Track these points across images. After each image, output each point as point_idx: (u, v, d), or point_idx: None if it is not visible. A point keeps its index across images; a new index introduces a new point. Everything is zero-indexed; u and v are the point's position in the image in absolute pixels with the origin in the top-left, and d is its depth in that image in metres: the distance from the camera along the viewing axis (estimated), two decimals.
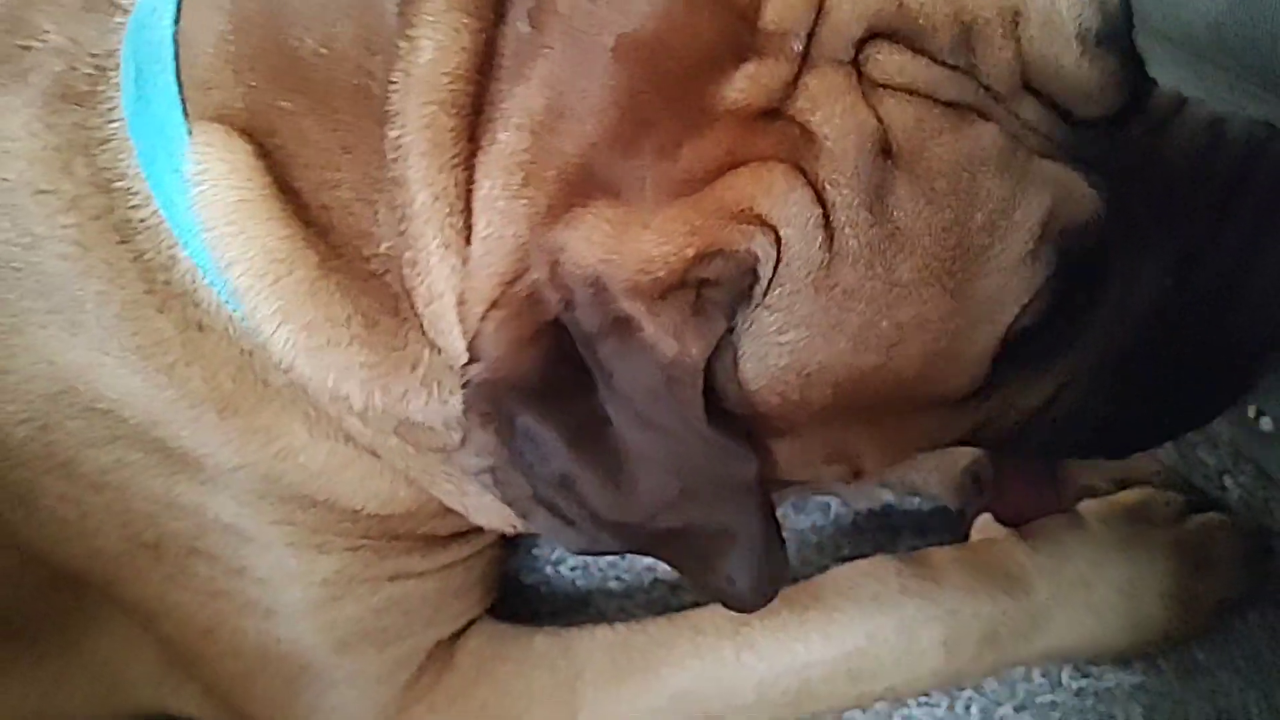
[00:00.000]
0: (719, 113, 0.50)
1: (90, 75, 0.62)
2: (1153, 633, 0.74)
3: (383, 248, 0.57)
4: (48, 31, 0.63)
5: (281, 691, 0.69)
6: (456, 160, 0.54)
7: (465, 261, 0.55)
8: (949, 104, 0.50)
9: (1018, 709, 0.74)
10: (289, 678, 0.68)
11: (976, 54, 0.50)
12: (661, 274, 0.50)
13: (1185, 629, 0.75)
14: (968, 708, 0.74)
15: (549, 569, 0.93)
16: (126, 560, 0.65)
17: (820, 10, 0.50)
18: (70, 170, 0.60)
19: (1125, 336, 0.57)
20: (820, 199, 0.50)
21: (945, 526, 0.89)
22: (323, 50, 0.57)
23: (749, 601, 0.58)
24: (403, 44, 0.54)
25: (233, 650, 0.68)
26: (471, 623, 0.74)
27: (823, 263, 0.51)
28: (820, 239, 0.50)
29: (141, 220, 0.60)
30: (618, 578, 0.91)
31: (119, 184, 0.60)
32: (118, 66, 0.62)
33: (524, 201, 0.53)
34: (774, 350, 0.53)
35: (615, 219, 0.51)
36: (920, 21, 0.50)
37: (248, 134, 0.58)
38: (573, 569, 0.92)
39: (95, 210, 0.60)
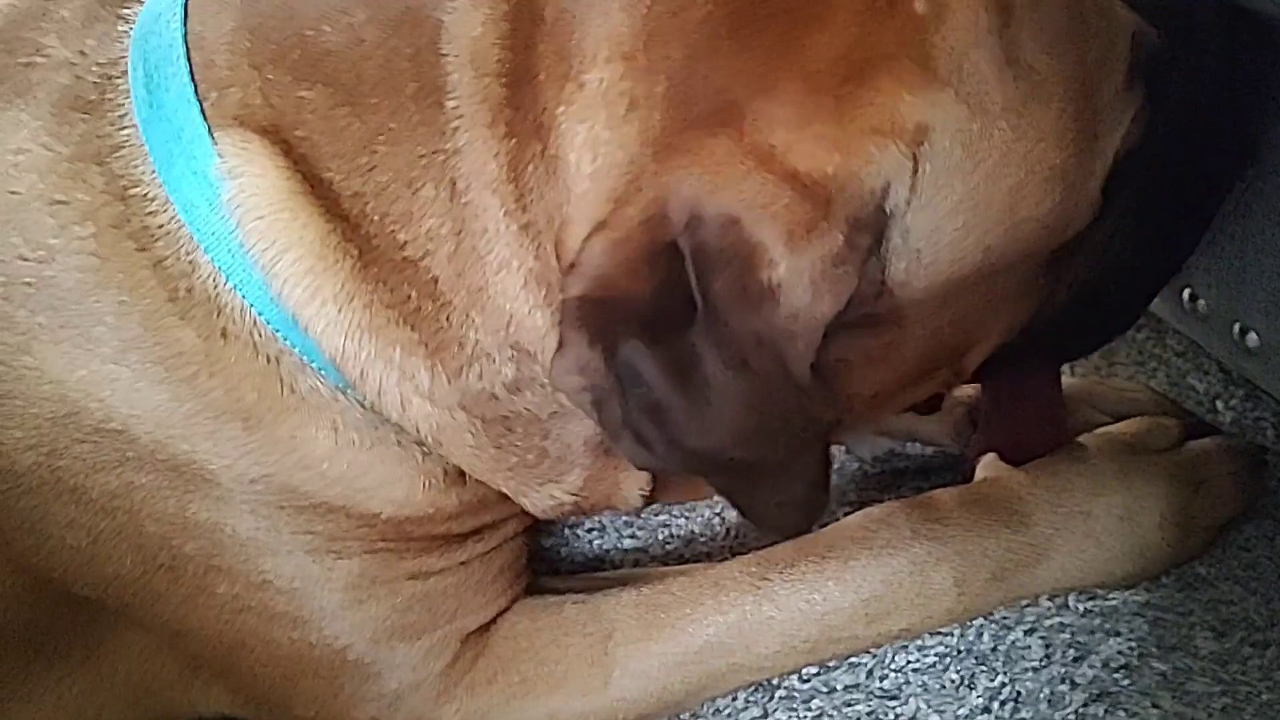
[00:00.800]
0: (833, 4, 0.51)
1: (97, 84, 0.61)
2: (1154, 557, 0.76)
3: (426, 228, 0.58)
4: (51, 47, 0.62)
5: (324, 688, 0.70)
6: (519, 125, 0.55)
7: (533, 228, 0.56)
8: None
9: (1028, 632, 0.75)
10: (329, 676, 0.69)
11: None
12: (806, 204, 0.50)
13: (1185, 551, 0.77)
14: (980, 634, 0.75)
15: (566, 531, 0.95)
16: (143, 584, 0.65)
17: None
18: (84, 179, 0.60)
19: (1156, 177, 0.63)
20: (958, 75, 0.52)
21: (948, 467, 0.91)
22: (346, 37, 0.57)
23: (790, 529, 0.62)
24: (445, 18, 0.56)
25: (268, 659, 0.68)
26: (502, 611, 0.75)
27: (969, 143, 0.53)
28: (964, 117, 0.52)
29: (160, 226, 0.60)
30: (632, 535, 0.93)
31: (134, 190, 0.60)
32: (125, 74, 0.61)
33: (634, 127, 0.53)
34: (928, 247, 0.55)
35: (749, 138, 0.51)
36: None
37: (272, 130, 0.58)
38: (589, 530, 0.94)
39: (111, 219, 0.59)
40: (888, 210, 0.53)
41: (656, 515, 0.94)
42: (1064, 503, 0.75)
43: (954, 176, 0.53)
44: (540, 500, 0.67)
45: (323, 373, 0.62)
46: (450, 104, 0.57)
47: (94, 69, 0.62)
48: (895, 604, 0.73)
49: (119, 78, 0.62)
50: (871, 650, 0.76)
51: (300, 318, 0.59)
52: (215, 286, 0.60)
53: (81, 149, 0.60)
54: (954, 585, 0.73)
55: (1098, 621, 0.75)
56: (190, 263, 0.60)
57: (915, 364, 0.62)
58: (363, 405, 0.63)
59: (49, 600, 0.69)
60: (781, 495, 0.59)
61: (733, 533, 0.91)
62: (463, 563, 0.71)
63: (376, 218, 0.58)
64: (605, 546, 0.93)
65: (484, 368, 0.61)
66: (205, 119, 0.58)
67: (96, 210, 0.60)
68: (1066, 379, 0.91)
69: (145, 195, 0.60)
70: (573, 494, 0.68)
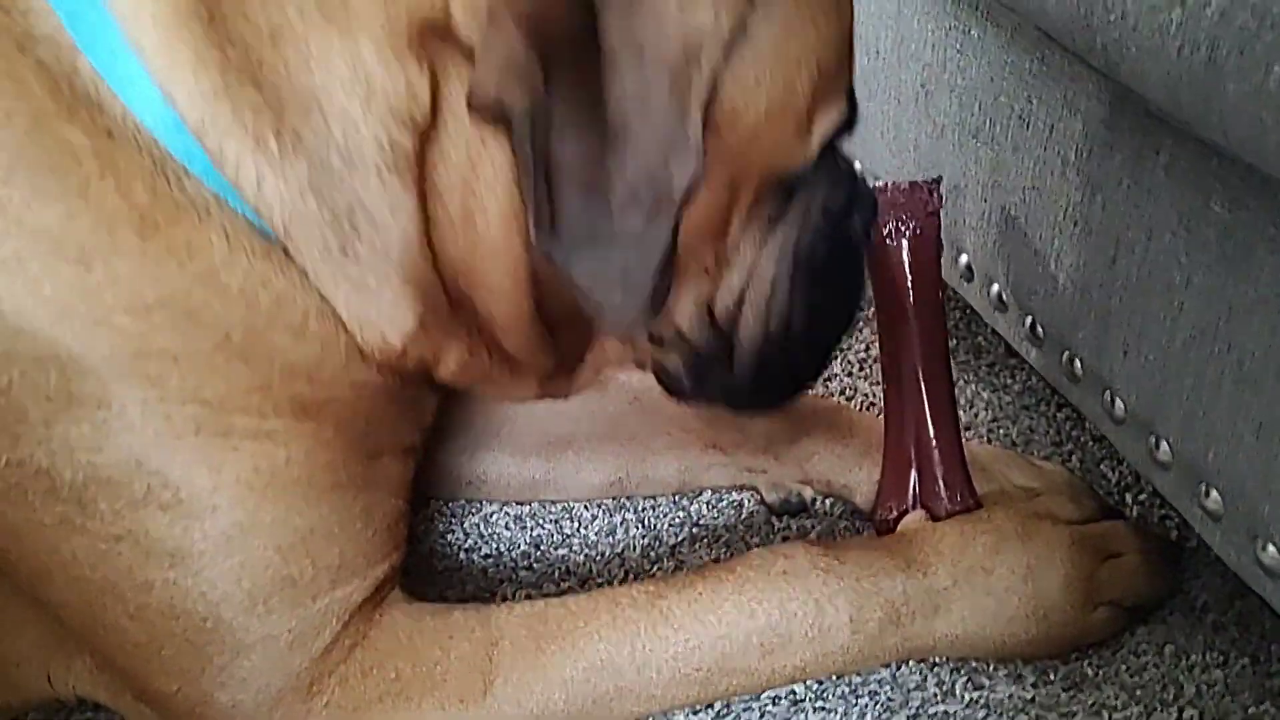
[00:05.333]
0: None
1: None
2: (1057, 621, 0.75)
3: None
4: None
5: (189, 659, 0.66)
6: None
7: None
8: None
9: (911, 717, 0.74)
10: (198, 641, 0.65)
11: None
12: None
13: (1089, 624, 0.77)
14: (863, 715, 0.75)
15: (462, 555, 0.93)
16: (16, 496, 0.61)
17: None
18: None
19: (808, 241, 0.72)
20: None
21: (853, 530, 0.91)
22: None
23: (624, 310, 0.62)
24: None
25: (136, 610, 0.64)
26: (382, 590, 0.72)
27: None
28: None
29: (43, 35, 0.58)
30: (529, 567, 0.91)
31: (18, 5, 0.59)
32: None
33: None
34: (755, 57, 0.62)
35: None
36: None
37: None
38: (485, 557, 0.92)
39: None
40: None
41: (554, 550, 0.92)
42: (964, 557, 0.75)
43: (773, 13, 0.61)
44: (372, 333, 0.65)
45: (203, 177, 0.60)
46: None
47: None
48: (790, 635, 0.72)
49: None
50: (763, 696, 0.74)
51: (168, 95, 0.58)
52: (96, 89, 0.59)
53: None
54: (849, 622, 0.72)
55: (981, 714, 0.75)
56: (72, 65, 0.59)
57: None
58: (245, 216, 0.61)
59: None
60: (626, 276, 0.61)
61: (630, 573, 0.89)
62: (345, 485, 0.68)
63: None
64: (499, 575, 0.91)
65: (319, 122, 0.60)
66: None
67: None
68: (982, 446, 0.92)
69: (28, 8, 0.59)
70: (401, 337, 0.66)
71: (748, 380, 0.75)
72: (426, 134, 0.61)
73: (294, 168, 0.60)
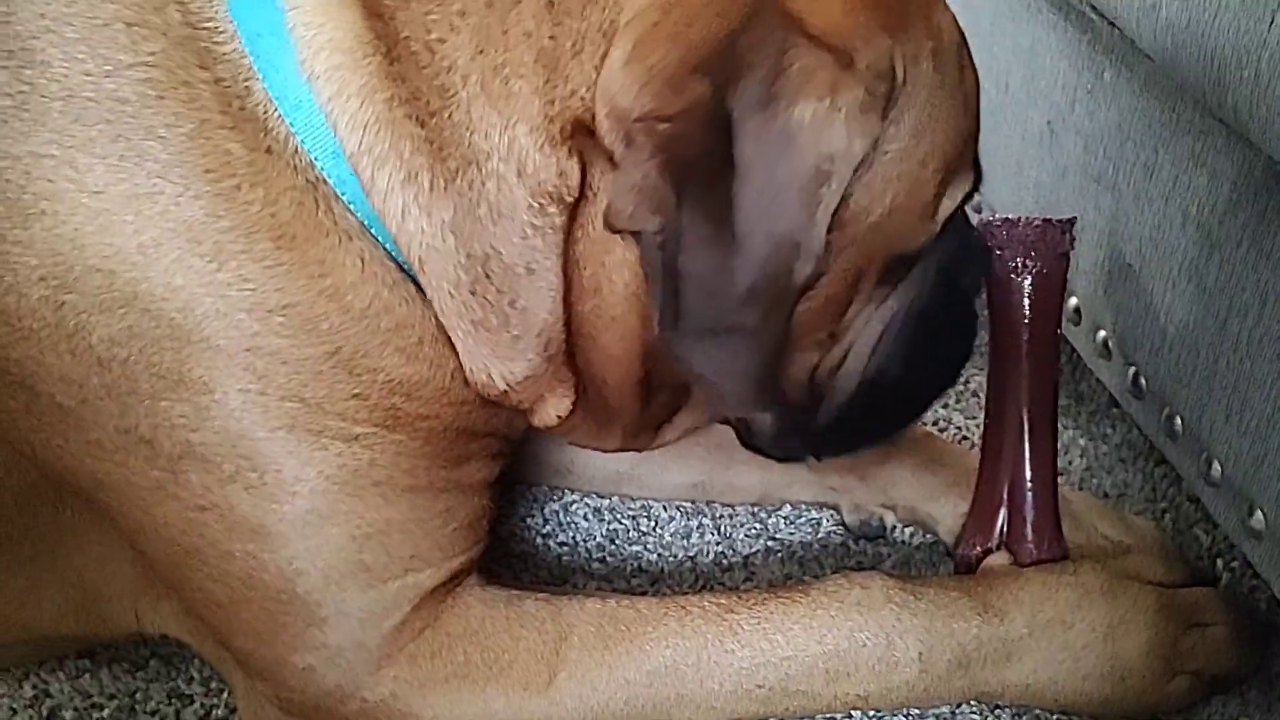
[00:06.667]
0: None
1: None
2: (1134, 685, 0.74)
3: (458, 6, 0.62)
4: None
5: (265, 624, 0.68)
6: None
7: (566, 37, 0.62)
8: None
9: None
10: (275, 610, 0.68)
11: None
12: (835, 58, 0.59)
13: (1167, 693, 0.75)
14: None
15: (539, 540, 0.94)
16: (120, 458, 0.64)
17: None
18: (162, 10, 0.62)
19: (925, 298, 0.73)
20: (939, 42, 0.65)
21: (929, 563, 0.91)
22: None
23: (738, 395, 0.67)
24: None
25: (219, 574, 0.67)
26: (458, 578, 0.73)
27: (926, 90, 0.64)
28: (931, 74, 0.64)
29: (224, 53, 0.62)
30: (602, 560, 0.92)
31: (207, 23, 0.63)
32: None
33: None
34: (883, 166, 0.63)
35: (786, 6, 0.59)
36: None
37: None
38: (561, 544, 0.93)
39: (180, 39, 0.62)
40: (897, 76, 0.62)
41: (629, 546, 0.93)
42: (1044, 608, 0.74)
43: (910, 109, 0.63)
44: (480, 372, 0.67)
45: (353, 205, 0.63)
46: None
47: None
48: (857, 665, 0.71)
49: None
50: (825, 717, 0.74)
51: (331, 122, 0.62)
52: (266, 110, 0.62)
53: None
54: (918, 659, 0.72)
55: None
56: (246, 86, 0.62)
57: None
58: (384, 246, 0.64)
59: (18, 483, 0.69)
60: (741, 364, 0.64)
61: (701, 579, 0.90)
62: (429, 488, 0.70)
63: (414, 5, 0.62)
64: (573, 564, 0.92)
65: (475, 176, 0.63)
66: None
67: (168, 31, 0.62)
68: (1074, 493, 0.90)
69: (215, 27, 0.63)
70: (507, 383, 0.68)
71: (835, 431, 0.76)
72: (573, 207, 0.63)
73: (440, 207, 0.63)
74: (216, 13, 0.63)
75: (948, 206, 0.69)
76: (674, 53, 0.59)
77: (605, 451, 0.80)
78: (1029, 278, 0.81)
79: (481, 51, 0.62)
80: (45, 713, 0.81)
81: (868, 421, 0.76)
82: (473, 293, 0.64)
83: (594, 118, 0.61)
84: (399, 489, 0.68)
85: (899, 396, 0.76)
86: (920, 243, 0.69)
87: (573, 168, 0.62)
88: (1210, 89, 0.71)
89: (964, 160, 0.69)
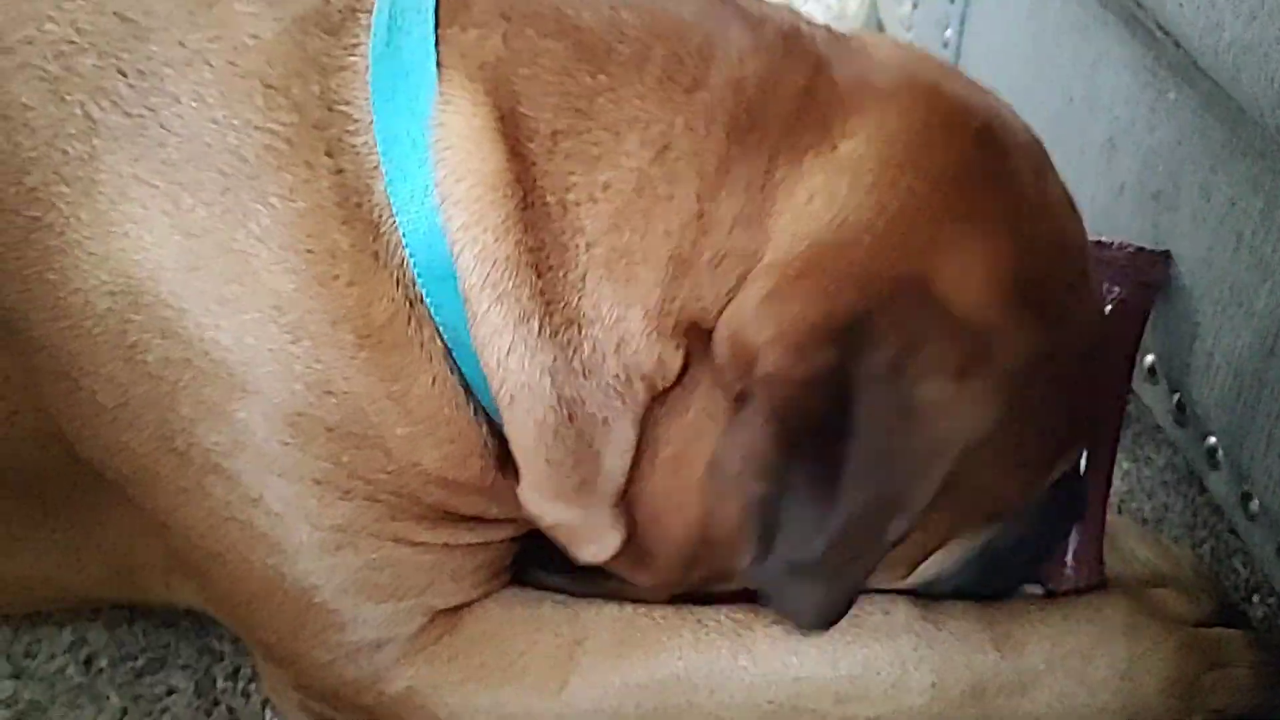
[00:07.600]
0: None
1: (341, 13, 0.65)
2: None
3: (605, 178, 0.61)
4: None
5: (288, 621, 0.70)
6: (757, 141, 0.61)
7: (713, 243, 0.61)
8: None
9: None
10: (294, 612, 0.69)
11: None
12: (992, 335, 0.59)
13: None
14: None
15: None
16: (149, 463, 0.65)
17: None
18: (303, 77, 0.62)
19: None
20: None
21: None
22: (603, 18, 0.63)
23: (818, 625, 0.66)
24: (719, 38, 0.62)
25: (241, 575, 0.68)
26: (474, 599, 0.74)
27: (1064, 377, 0.64)
28: (1064, 360, 0.64)
29: (353, 145, 0.62)
30: None
31: (343, 107, 0.62)
32: (369, 10, 0.65)
33: (869, 211, 0.60)
34: (1000, 441, 0.62)
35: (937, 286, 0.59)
36: None
37: (496, 66, 0.62)
38: None
39: (314, 120, 0.61)
40: (1030, 367, 0.61)
41: None
42: (1064, 641, 0.73)
43: (1035, 393, 0.63)
44: (534, 505, 0.66)
45: (444, 328, 0.63)
46: (701, 95, 0.61)
47: (342, 2, 0.65)
48: (869, 689, 0.71)
49: (363, 13, 0.65)
50: None
51: (456, 250, 0.61)
52: (381, 216, 0.62)
53: (312, 57, 0.63)
54: (931, 687, 0.71)
55: None
56: (367, 185, 0.62)
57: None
58: (463, 370, 0.64)
59: (58, 453, 0.70)
60: (823, 597, 0.63)
61: None
62: (445, 545, 0.70)
63: (560, 157, 0.61)
64: None
65: (574, 335, 0.62)
66: (438, 66, 0.62)
67: (304, 107, 0.62)
68: (1115, 516, 0.88)
69: (351, 115, 0.62)
70: (557, 519, 0.67)
71: None
72: (665, 391, 0.63)
73: (544, 350, 0.62)
74: (356, 96, 0.62)
75: (1059, 470, 0.69)
76: (811, 316, 0.57)
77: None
78: (1109, 304, 0.78)
79: (616, 229, 0.61)
80: (83, 658, 0.85)
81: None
82: (555, 433, 0.63)
83: (713, 330, 0.61)
84: (415, 541, 0.69)
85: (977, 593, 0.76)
86: (1023, 503, 0.69)
87: (675, 359, 0.62)
88: (1270, 111, 0.70)
89: (1079, 434, 0.70)
